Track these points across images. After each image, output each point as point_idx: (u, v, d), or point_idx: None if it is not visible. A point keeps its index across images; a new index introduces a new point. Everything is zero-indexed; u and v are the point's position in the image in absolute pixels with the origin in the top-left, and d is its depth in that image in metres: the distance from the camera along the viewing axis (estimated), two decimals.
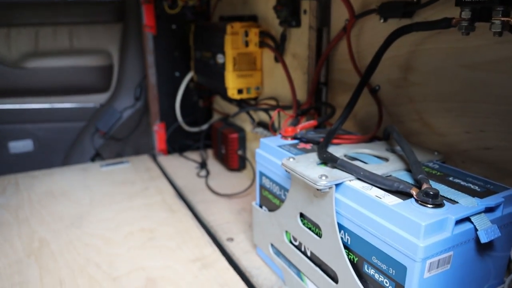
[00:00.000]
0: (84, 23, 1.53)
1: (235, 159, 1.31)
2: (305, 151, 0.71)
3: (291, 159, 0.64)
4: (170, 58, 1.48)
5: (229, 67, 1.12)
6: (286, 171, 0.64)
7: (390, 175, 0.60)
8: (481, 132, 0.64)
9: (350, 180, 0.58)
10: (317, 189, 0.57)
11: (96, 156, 1.62)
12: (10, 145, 1.55)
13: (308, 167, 0.61)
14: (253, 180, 1.22)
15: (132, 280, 0.83)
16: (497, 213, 0.54)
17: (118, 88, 1.61)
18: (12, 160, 1.56)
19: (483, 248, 0.54)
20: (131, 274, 0.85)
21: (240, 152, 1.30)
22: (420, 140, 0.75)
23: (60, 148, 1.61)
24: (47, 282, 0.82)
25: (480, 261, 0.55)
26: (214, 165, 1.43)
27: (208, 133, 1.55)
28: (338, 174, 0.59)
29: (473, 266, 0.54)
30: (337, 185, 0.58)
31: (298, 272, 0.72)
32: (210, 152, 1.56)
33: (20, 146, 1.57)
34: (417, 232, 0.47)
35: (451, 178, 0.59)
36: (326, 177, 0.57)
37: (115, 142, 1.62)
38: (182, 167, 1.44)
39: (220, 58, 1.15)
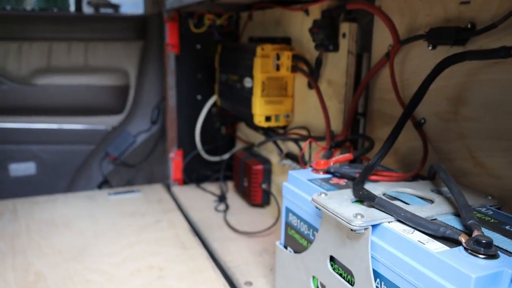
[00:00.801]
0: (101, 39, 1.60)
1: (259, 194, 1.32)
2: (339, 187, 0.71)
3: (323, 195, 0.65)
4: (193, 80, 1.53)
5: (257, 92, 1.15)
6: (317, 207, 0.64)
7: (435, 219, 0.59)
8: None
9: (389, 222, 0.58)
10: (351, 230, 0.57)
11: (104, 184, 1.65)
12: (11, 167, 1.60)
13: (342, 204, 0.61)
14: (278, 218, 1.22)
15: None
16: None
17: (133, 110, 1.66)
18: (12, 183, 1.60)
19: None
20: None
21: (264, 186, 1.31)
22: (472, 182, 0.74)
23: (65, 173, 1.66)
24: None
25: None
26: (234, 199, 1.44)
27: (229, 163, 1.57)
28: (375, 214, 0.59)
29: None
30: (374, 226, 0.58)
31: None
32: (230, 185, 1.57)
33: (22, 168, 1.62)
34: (466, 285, 0.46)
35: (507, 227, 0.58)
36: (362, 216, 0.57)
37: (126, 169, 1.66)
38: (199, 199, 1.46)
39: (248, 82, 1.18)
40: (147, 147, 1.66)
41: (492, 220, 0.60)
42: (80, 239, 1.16)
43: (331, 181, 0.74)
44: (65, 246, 1.12)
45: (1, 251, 1.09)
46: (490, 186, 0.71)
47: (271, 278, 0.97)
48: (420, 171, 0.77)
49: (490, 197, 0.68)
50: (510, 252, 0.51)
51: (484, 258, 0.49)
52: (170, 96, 1.52)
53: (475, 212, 0.62)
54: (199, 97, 1.54)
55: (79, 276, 0.99)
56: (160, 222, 1.28)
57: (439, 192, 0.69)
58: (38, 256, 1.07)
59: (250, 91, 1.17)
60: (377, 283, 0.58)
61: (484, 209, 0.65)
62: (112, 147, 1.64)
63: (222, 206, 1.38)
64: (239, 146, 1.60)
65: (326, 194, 0.65)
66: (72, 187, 1.65)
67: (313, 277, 0.73)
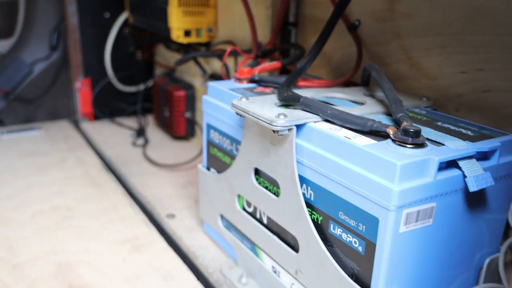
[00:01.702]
0: None
1: (182, 124, 1.32)
2: (263, 94, 0.72)
3: (244, 99, 0.66)
4: None
5: (173, 1, 1.12)
6: (237, 113, 0.65)
7: None
8: (479, 71, 0.68)
9: (315, 122, 0.60)
10: (274, 132, 0.59)
11: None
12: None
13: (264, 107, 0.63)
14: None
15: (39, 266, 0.83)
16: (492, 161, 0.57)
17: (25, 32, 1.57)
18: None
19: (474, 205, 0.57)
20: (38, 260, 0.84)
21: (188, 115, 1.31)
22: (408, 85, 0.78)
23: None
24: None
25: (471, 221, 0.58)
26: (155, 133, 1.44)
27: (148, 93, 1.55)
28: (300, 114, 0.60)
29: (462, 226, 0.57)
30: (298, 127, 0.60)
31: (253, 246, 0.74)
32: (150, 119, 1.56)
33: None
34: (392, 174, 0.49)
35: (439, 123, 0.62)
36: (286, 116, 0.59)
37: (23, 105, 1.59)
38: (113, 135, 1.44)
39: None
40: (47, 78, 1.59)
41: (425, 118, 0.64)
42: None
43: (255, 90, 0.75)
44: None
45: None
46: (425, 88, 0.75)
47: (196, 209, 1.00)
48: (353, 76, 0.80)
49: (425, 99, 0.72)
50: (439, 143, 0.55)
51: (411, 147, 0.52)
52: (71, 14, 1.45)
53: (409, 112, 0.66)
54: (106, 14, 1.49)
55: None
56: (66, 161, 1.26)
57: (372, 96, 0.72)
58: None
59: (165, 1, 1.14)
60: (304, 189, 0.61)
61: (418, 109, 0.69)
62: (2, 79, 1.56)
63: (140, 141, 1.38)
64: (158, 72, 1.57)
65: (247, 99, 0.66)
66: None
67: (238, 196, 0.75)
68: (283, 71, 0.94)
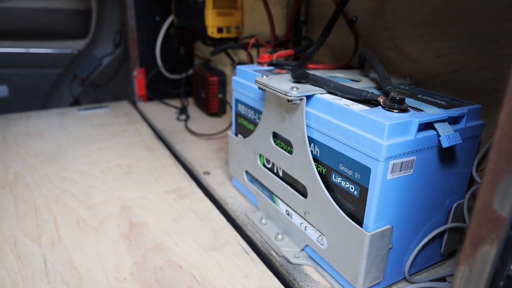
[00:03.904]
0: None
1: (215, 103, 1.31)
2: (280, 74, 0.72)
3: (264, 77, 0.65)
4: (151, 2, 1.45)
5: (209, 4, 1.11)
6: (259, 88, 0.64)
7: None
8: (451, 55, 0.65)
9: (321, 94, 0.59)
10: (288, 101, 0.58)
11: (75, 104, 1.60)
12: None
13: (281, 82, 0.62)
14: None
15: (108, 207, 0.84)
16: (461, 125, 0.56)
17: (97, 34, 1.58)
18: None
19: (445, 159, 0.56)
20: (106, 203, 0.86)
21: (220, 96, 1.30)
22: (395, 68, 0.76)
23: (37, 95, 1.59)
24: (21, 209, 0.83)
25: (443, 173, 0.57)
26: (194, 111, 1.43)
27: (188, 80, 1.54)
28: (310, 88, 0.60)
29: (436, 177, 0.56)
30: (308, 97, 0.59)
31: (271, 195, 0.74)
32: (190, 100, 1.55)
33: None
34: (381, 132, 0.48)
35: (419, 95, 0.61)
36: (298, 89, 0.58)
37: (94, 89, 1.60)
38: (162, 112, 1.44)
39: None
40: (113, 68, 1.59)
41: (408, 92, 0.63)
42: (54, 146, 1.14)
43: (273, 71, 0.74)
44: (40, 151, 1.10)
45: None
46: (409, 70, 0.73)
47: (226, 168, 1.00)
48: (351, 61, 0.78)
49: (408, 78, 0.70)
50: (419, 109, 0.53)
51: (397, 112, 0.51)
52: (130, 18, 1.45)
53: (395, 88, 0.64)
54: (157, 18, 1.48)
55: (55, 174, 0.98)
56: (127, 131, 1.27)
57: (366, 76, 0.71)
58: (15, 160, 1.05)
59: (202, 4, 1.13)
60: (311, 147, 0.61)
61: (403, 86, 0.67)
62: (79, 69, 1.57)
63: (183, 116, 1.38)
64: (197, 63, 1.56)
65: (267, 76, 0.66)
66: (44, 108, 1.60)
67: (260, 155, 0.75)
68: (295, 58, 0.92)
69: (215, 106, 1.32)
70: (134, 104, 1.54)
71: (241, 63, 1.19)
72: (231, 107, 1.28)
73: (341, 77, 0.71)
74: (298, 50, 0.83)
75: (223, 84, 1.29)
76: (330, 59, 0.91)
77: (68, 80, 1.58)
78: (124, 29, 1.55)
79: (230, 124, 1.23)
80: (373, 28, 0.79)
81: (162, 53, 1.49)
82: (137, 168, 1.02)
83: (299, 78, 0.63)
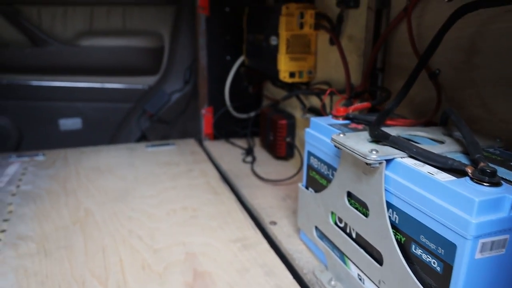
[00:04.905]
0: (137, 4, 1.62)
1: (283, 147, 1.34)
2: (356, 130, 0.72)
3: (341, 135, 0.66)
4: (222, 41, 1.53)
5: (282, 49, 1.15)
6: (336, 146, 0.66)
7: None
8: None
9: (401, 157, 0.59)
10: (367, 164, 0.59)
11: (142, 138, 1.70)
12: (61, 122, 1.67)
13: (359, 143, 0.63)
14: (300, 168, 1.24)
15: (173, 253, 0.88)
16: None
17: (168, 70, 1.68)
18: (62, 136, 1.67)
19: None
20: (171, 248, 0.90)
21: (288, 139, 1.32)
22: (482, 127, 0.74)
23: (107, 128, 1.71)
24: (90, 248, 0.89)
25: None
26: (260, 153, 1.47)
27: (256, 120, 1.59)
28: (389, 150, 0.60)
29: None
30: (388, 161, 0.59)
31: (342, 255, 0.74)
32: (257, 140, 1.59)
33: (70, 123, 1.69)
34: (470, 208, 0.47)
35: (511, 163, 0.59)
36: (377, 152, 0.58)
37: (162, 125, 1.70)
38: (228, 152, 1.49)
39: (273, 40, 1.18)
40: (181, 105, 1.69)
41: (499, 158, 0.61)
42: (122, 183, 1.21)
43: (349, 126, 0.75)
44: (109, 188, 1.18)
45: (56, 192, 1.16)
46: (499, 131, 0.71)
47: (294, 219, 1.00)
48: (433, 117, 0.77)
49: (498, 140, 0.68)
50: None
51: (488, 186, 0.50)
52: (202, 56, 1.53)
53: (484, 152, 0.63)
54: (228, 57, 1.55)
55: (123, 213, 1.04)
56: (192, 171, 1.32)
57: (450, 136, 0.70)
58: (86, 196, 1.13)
59: (275, 48, 1.18)
60: (390, 213, 0.60)
61: (492, 149, 0.65)
62: (149, 104, 1.68)
63: (249, 158, 1.41)
64: (265, 104, 1.61)
65: (344, 135, 0.67)
66: (113, 141, 1.71)
67: (332, 212, 0.75)
68: (371, 109, 0.93)
69: (282, 149, 1.34)
70: (200, 142, 1.61)
71: (311, 108, 1.21)
72: (299, 151, 1.30)
73: (422, 136, 0.70)
74: (375, 103, 0.84)
75: (292, 127, 1.32)
76: (409, 111, 0.90)
77: (137, 115, 1.69)
78: (194, 66, 1.64)
79: (298, 170, 1.24)
80: (458, 82, 0.78)
81: (231, 92, 1.55)
82: (202, 212, 1.05)
83: (378, 138, 0.64)
